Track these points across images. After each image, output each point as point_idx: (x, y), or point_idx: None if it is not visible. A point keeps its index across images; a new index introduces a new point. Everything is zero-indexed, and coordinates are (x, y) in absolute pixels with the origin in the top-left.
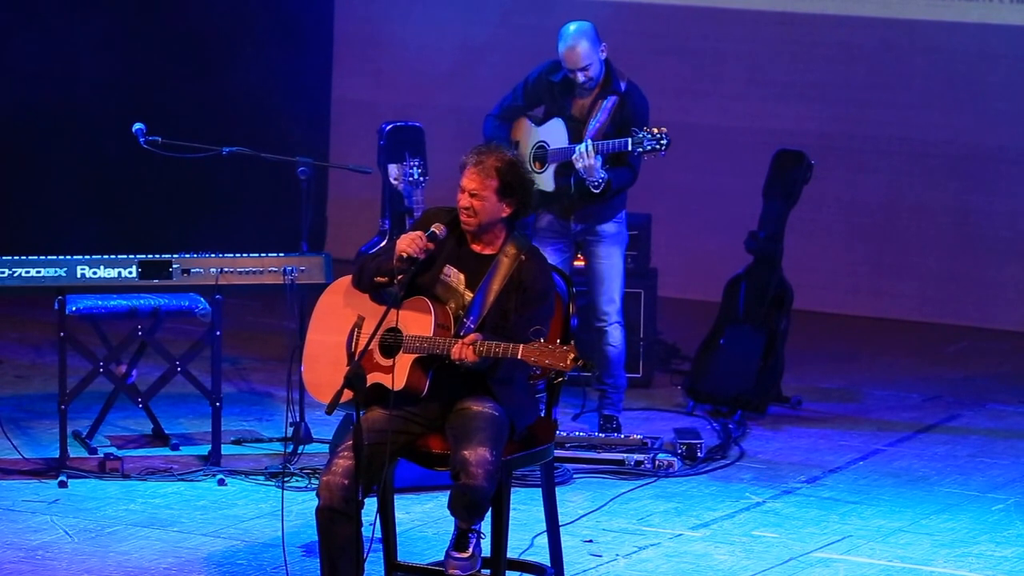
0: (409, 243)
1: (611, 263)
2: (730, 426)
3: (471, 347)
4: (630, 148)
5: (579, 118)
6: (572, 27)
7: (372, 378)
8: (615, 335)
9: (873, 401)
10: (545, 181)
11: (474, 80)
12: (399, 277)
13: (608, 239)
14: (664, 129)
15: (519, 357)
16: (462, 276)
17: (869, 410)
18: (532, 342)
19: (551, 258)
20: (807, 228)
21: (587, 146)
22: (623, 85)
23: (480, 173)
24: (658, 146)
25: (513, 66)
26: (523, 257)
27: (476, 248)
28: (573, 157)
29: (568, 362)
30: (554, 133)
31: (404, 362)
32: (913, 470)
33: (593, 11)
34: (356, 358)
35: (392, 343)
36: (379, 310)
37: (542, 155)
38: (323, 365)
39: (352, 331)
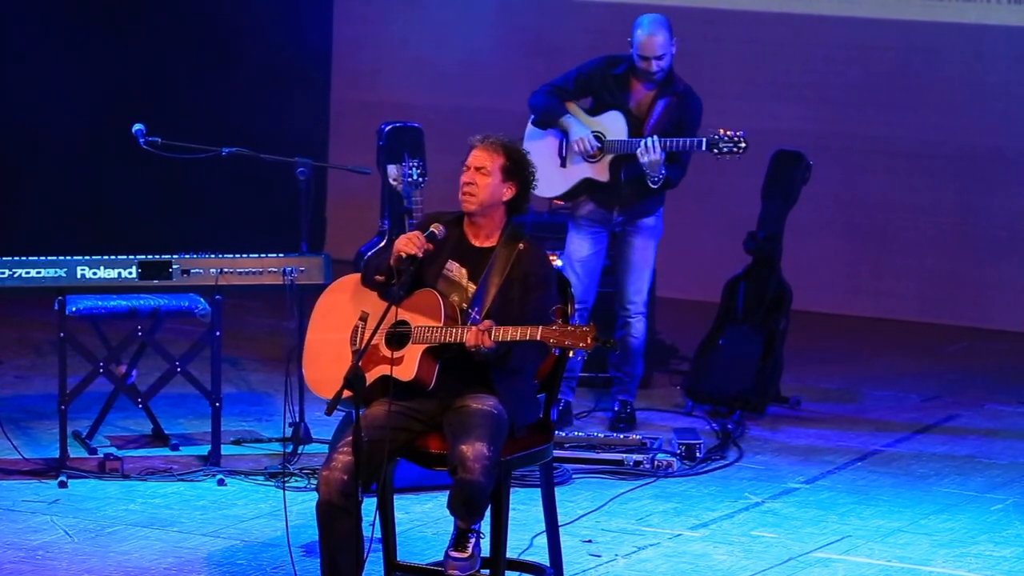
0: (407, 242)
1: (645, 255)
2: (729, 426)
3: (486, 333)
4: (705, 148)
5: (637, 115)
6: (650, 16)
7: (379, 370)
8: (639, 326)
9: (872, 401)
10: (599, 170)
11: (474, 80)
12: (400, 277)
13: (646, 231)
14: (741, 132)
15: (538, 338)
16: (464, 270)
17: (868, 410)
18: (551, 324)
19: (587, 247)
20: (806, 228)
21: (653, 141)
22: (680, 86)
23: (487, 149)
24: (736, 149)
25: (513, 66)
26: (521, 246)
27: (476, 242)
28: (638, 151)
29: (589, 341)
30: (613, 125)
31: (413, 353)
32: (912, 470)
33: (593, 11)
34: (360, 352)
35: (400, 334)
36: (382, 307)
37: (600, 145)
38: (325, 361)
39: (356, 327)
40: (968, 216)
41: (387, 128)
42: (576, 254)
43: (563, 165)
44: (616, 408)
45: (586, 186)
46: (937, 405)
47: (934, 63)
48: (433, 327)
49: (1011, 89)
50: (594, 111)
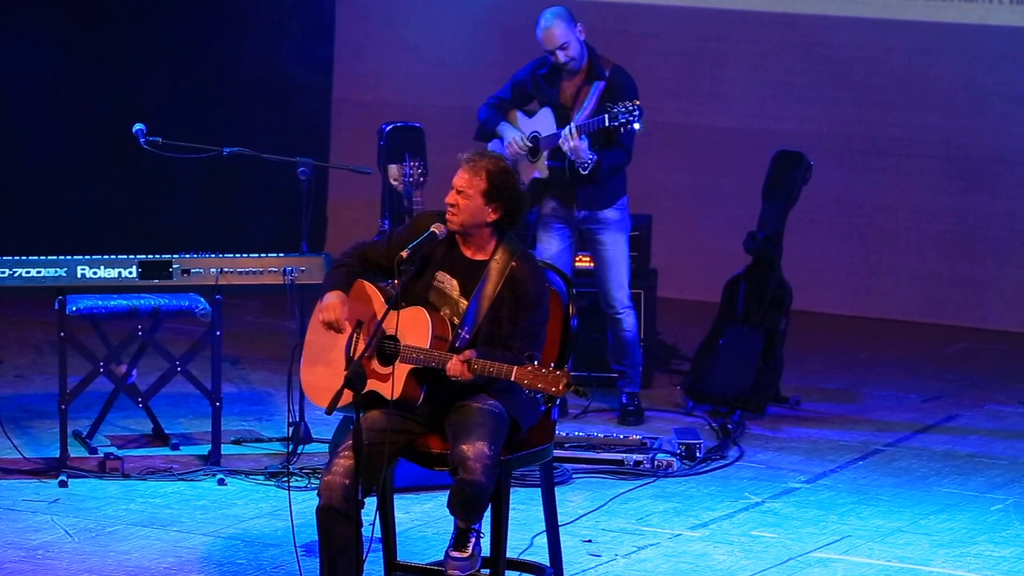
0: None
1: (617, 249)
2: (729, 426)
3: (466, 365)
4: (607, 124)
5: (567, 105)
6: (548, 11)
7: (369, 385)
8: (628, 320)
9: (872, 401)
10: (540, 168)
11: (474, 80)
12: (398, 273)
13: (612, 226)
14: (637, 102)
15: (512, 379)
16: (455, 282)
17: (868, 410)
18: (525, 365)
19: (555, 243)
20: (806, 229)
21: (570, 128)
22: (607, 71)
23: (470, 172)
24: (630, 117)
25: (513, 67)
26: (514, 263)
27: (468, 253)
28: (559, 141)
29: (560, 387)
30: (544, 121)
31: (401, 372)
32: (912, 470)
33: (593, 12)
34: (359, 359)
35: (390, 352)
36: (378, 315)
37: (535, 145)
38: (320, 368)
39: (351, 336)
40: (968, 216)
41: (388, 128)
42: (546, 252)
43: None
44: (624, 401)
45: (539, 187)
46: (937, 405)
47: (935, 63)
48: (420, 348)
49: (1011, 89)
50: (532, 111)
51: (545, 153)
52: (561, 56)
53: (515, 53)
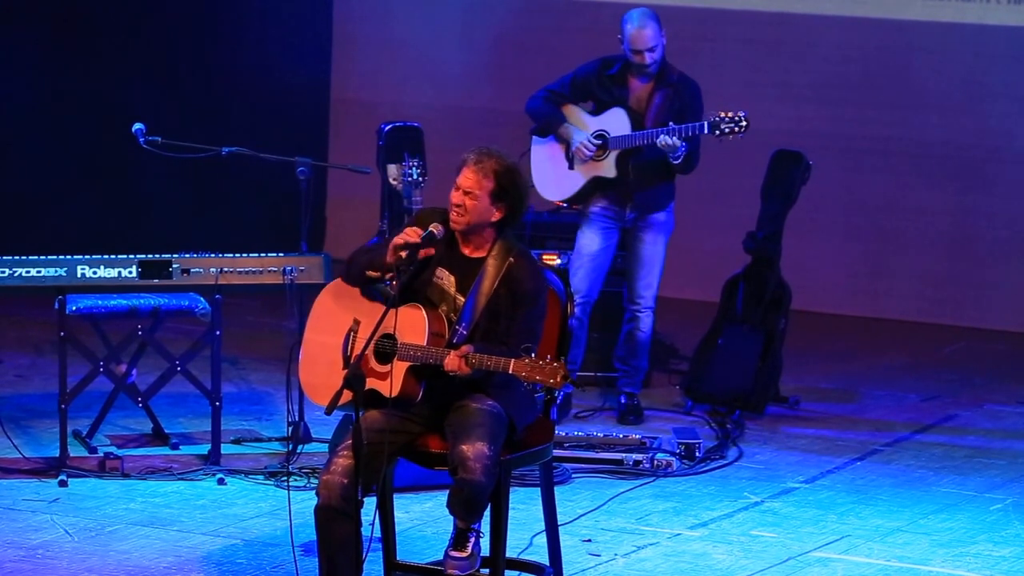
0: (405, 237)
1: (655, 250)
2: (728, 426)
3: (464, 359)
4: (707, 131)
5: (638, 108)
6: (637, 11)
7: (368, 384)
8: (646, 321)
9: (871, 401)
10: (606, 167)
11: (474, 80)
12: (397, 272)
13: (657, 227)
14: (742, 112)
15: (510, 372)
16: (452, 279)
17: (867, 410)
18: (523, 357)
19: (598, 241)
20: (805, 228)
21: (668, 131)
22: (675, 76)
23: (478, 172)
24: (736, 128)
25: (513, 66)
26: (512, 260)
27: (466, 251)
28: (658, 141)
29: (558, 379)
30: (615, 121)
31: (399, 369)
32: (911, 470)
33: (593, 12)
34: (357, 359)
35: (387, 350)
36: (375, 313)
37: (602, 143)
38: (319, 366)
39: (348, 334)
40: (968, 216)
41: (387, 128)
42: (586, 248)
43: (571, 167)
44: (623, 400)
45: (595, 185)
46: (936, 405)
47: (934, 63)
48: (417, 346)
49: (1011, 89)
50: (596, 112)
51: (614, 153)
52: (648, 58)
53: (514, 53)
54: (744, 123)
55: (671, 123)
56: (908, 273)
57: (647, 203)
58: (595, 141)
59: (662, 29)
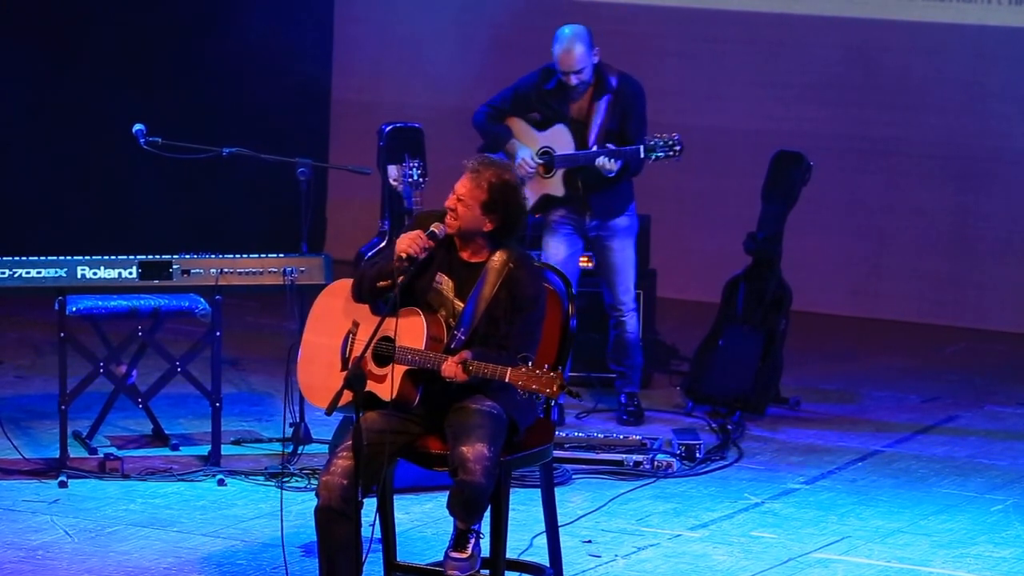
0: (409, 243)
1: (625, 255)
2: (729, 427)
3: (461, 366)
4: (643, 155)
5: (580, 120)
6: (568, 30)
7: (366, 386)
8: (631, 322)
9: (871, 402)
10: (554, 186)
11: (474, 80)
12: (399, 279)
13: (622, 232)
14: (675, 135)
15: (506, 380)
16: (451, 283)
17: (867, 411)
18: (519, 366)
19: (563, 249)
20: (806, 229)
21: (604, 159)
22: (614, 81)
23: (472, 181)
24: (671, 153)
25: (513, 67)
26: (511, 266)
27: (465, 256)
28: (596, 162)
29: (555, 388)
30: (559, 139)
31: (396, 373)
32: (911, 471)
33: (593, 12)
34: (357, 361)
35: (386, 353)
36: (374, 315)
37: (548, 161)
38: (318, 368)
39: (347, 336)
40: (968, 217)
41: (387, 128)
42: (554, 256)
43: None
44: (623, 401)
45: (547, 201)
46: (937, 406)
47: (934, 64)
48: (415, 350)
49: (1011, 90)
50: (541, 124)
51: (560, 172)
52: (573, 80)
53: (513, 54)
54: (678, 148)
55: (611, 143)
56: (908, 273)
57: (606, 210)
58: (539, 160)
59: (593, 48)
